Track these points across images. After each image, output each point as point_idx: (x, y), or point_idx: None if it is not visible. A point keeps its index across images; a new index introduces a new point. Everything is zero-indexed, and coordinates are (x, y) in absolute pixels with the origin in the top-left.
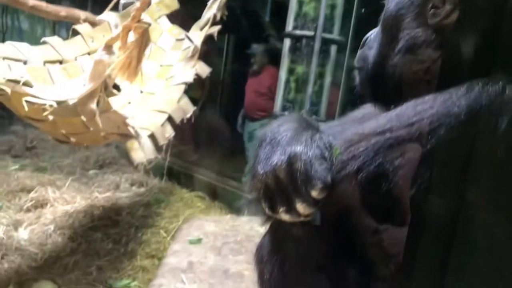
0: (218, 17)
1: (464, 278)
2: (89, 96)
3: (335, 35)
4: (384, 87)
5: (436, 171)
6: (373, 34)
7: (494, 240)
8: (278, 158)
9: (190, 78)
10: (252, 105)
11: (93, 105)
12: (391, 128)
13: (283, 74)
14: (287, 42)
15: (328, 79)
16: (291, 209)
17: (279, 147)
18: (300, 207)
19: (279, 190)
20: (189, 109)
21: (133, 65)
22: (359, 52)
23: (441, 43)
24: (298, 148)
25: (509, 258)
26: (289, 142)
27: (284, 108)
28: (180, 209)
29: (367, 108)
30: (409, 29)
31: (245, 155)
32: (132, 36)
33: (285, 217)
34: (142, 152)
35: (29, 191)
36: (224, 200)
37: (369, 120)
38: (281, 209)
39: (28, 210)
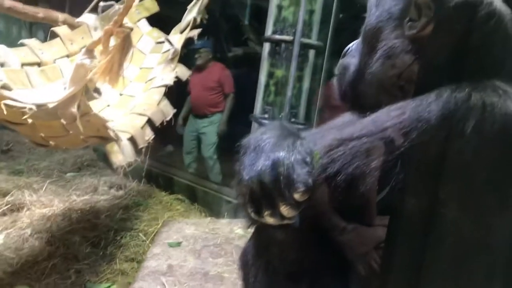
0: (198, 21)
1: (436, 275)
2: (70, 99)
3: (313, 40)
4: (363, 94)
5: (408, 173)
6: (354, 45)
7: (463, 237)
8: (262, 163)
9: (170, 81)
10: (201, 101)
11: (74, 109)
12: (367, 133)
13: (262, 77)
14: (266, 46)
15: (306, 83)
16: (275, 213)
17: (263, 154)
18: (284, 210)
19: (264, 194)
20: (169, 112)
21: (115, 70)
22: (340, 61)
23: (416, 53)
24: (281, 154)
25: (478, 254)
26: (272, 149)
27: (264, 111)
28: (159, 212)
29: (347, 116)
30: (387, 40)
31: (224, 157)
32: (113, 40)
33: (270, 220)
34: (121, 155)
35: (5, 195)
36: (204, 202)
37: (348, 126)
38: (266, 213)
39: (3, 214)
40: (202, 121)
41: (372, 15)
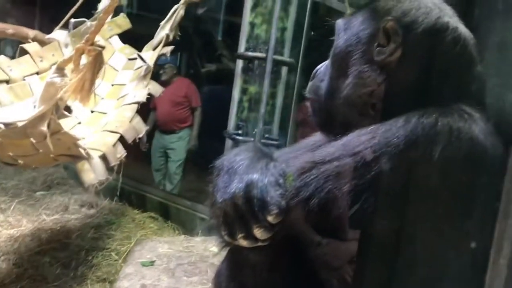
0: (171, 38)
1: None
2: (40, 118)
3: (286, 57)
4: (334, 117)
5: (379, 196)
6: (323, 67)
7: (431, 257)
8: (235, 186)
9: (142, 98)
10: (168, 117)
11: (44, 127)
12: (339, 156)
13: (236, 93)
14: (239, 63)
15: (280, 100)
16: (249, 235)
17: (237, 176)
18: (258, 232)
19: (237, 216)
20: (142, 129)
21: (86, 88)
22: (310, 83)
23: (385, 78)
24: (255, 176)
25: (445, 270)
26: (245, 171)
27: (237, 127)
28: (132, 231)
29: (318, 136)
30: (357, 64)
31: (198, 174)
32: (84, 59)
33: (243, 243)
34: (93, 173)
35: None
36: (177, 220)
37: (320, 148)
38: (240, 235)
39: None
40: (170, 137)
41: (341, 39)
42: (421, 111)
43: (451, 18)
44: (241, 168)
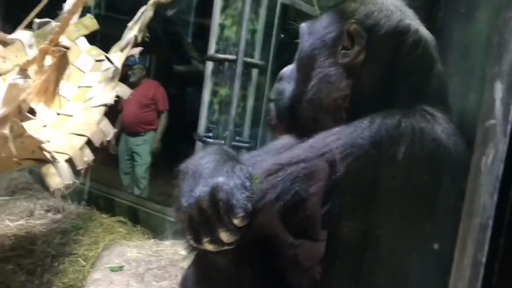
0: (140, 39)
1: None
2: (1, 121)
3: (256, 59)
4: (300, 119)
5: (345, 196)
6: (289, 70)
7: (396, 255)
8: (201, 189)
9: (110, 100)
10: (134, 119)
11: (6, 130)
12: (305, 158)
13: (206, 96)
14: (209, 65)
15: (250, 102)
16: (215, 239)
17: (202, 179)
18: (224, 235)
19: (202, 221)
20: (110, 132)
21: (50, 90)
22: (275, 86)
23: (350, 80)
24: (220, 179)
25: (409, 269)
26: (211, 174)
27: (208, 130)
28: (100, 235)
29: (286, 139)
30: (321, 67)
31: (168, 177)
32: (49, 60)
33: (209, 247)
34: (59, 177)
35: None
36: (147, 224)
37: (286, 150)
38: (206, 240)
39: None
40: (135, 139)
41: (305, 42)
42: (385, 113)
43: (412, 20)
44: (207, 171)
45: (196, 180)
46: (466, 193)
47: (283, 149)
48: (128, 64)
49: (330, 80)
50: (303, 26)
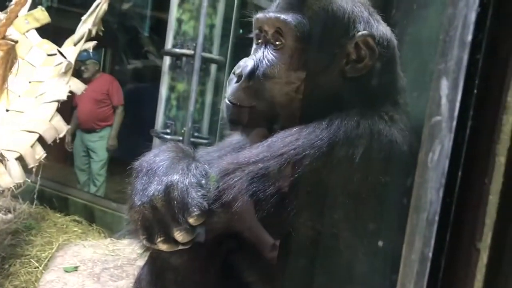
0: (94, 33)
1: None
2: None
3: (214, 54)
4: (256, 117)
5: (302, 196)
6: (249, 67)
7: (354, 253)
8: (155, 188)
9: (63, 96)
10: (89, 115)
11: None
12: (263, 158)
13: (163, 91)
14: (166, 60)
15: (209, 97)
16: (169, 238)
17: (156, 177)
18: (178, 235)
19: (156, 220)
20: (63, 128)
21: None
22: (235, 86)
23: (344, 87)
24: (175, 177)
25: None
26: (165, 172)
27: (165, 126)
28: (54, 235)
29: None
30: (319, 75)
31: (125, 174)
32: None
33: (163, 247)
34: (9, 176)
35: None
36: (103, 223)
37: (244, 149)
38: (159, 239)
39: None
40: (91, 136)
41: (297, 45)
42: (344, 113)
43: (380, 23)
44: (161, 169)
45: (150, 178)
46: (414, 189)
47: (239, 146)
48: (81, 59)
49: (326, 87)
50: (288, 23)
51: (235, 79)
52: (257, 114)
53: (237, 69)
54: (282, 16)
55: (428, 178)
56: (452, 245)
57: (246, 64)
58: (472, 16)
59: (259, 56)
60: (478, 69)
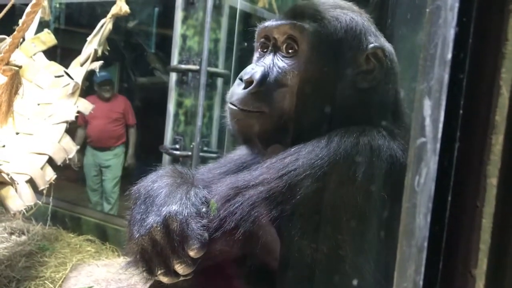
0: (100, 52)
1: None
2: None
3: (220, 68)
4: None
5: (305, 218)
6: (260, 75)
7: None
8: (153, 219)
9: (71, 116)
10: (104, 133)
11: None
12: (263, 181)
13: (171, 107)
14: (173, 76)
15: (216, 111)
16: (169, 271)
17: (154, 207)
18: (179, 268)
19: (155, 252)
20: (72, 149)
21: (3, 110)
22: (245, 94)
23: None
24: (174, 208)
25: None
26: (164, 201)
27: (174, 141)
28: (68, 256)
29: (243, 149)
30: (332, 86)
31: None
32: (1, 78)
33: (164, 279)
34: (19, 199)
35: None
36: (116, 241)
37: (245, 164)
38: (160, 272)
39: None
40: (104, 154)
41: (310, 55)
42: (343, 130)
43: (381, 36)
44: (159, 198)
45: (148, 208)
46: (402, 214)
47: (241, 162)
48: (99, 80)
49: (337, 96)
50: (305, 29)
51: (242, 85)
52: (266, 120)
53: (245, 75)
54: (298, 23)
55: (416, 203)
56: (446, 272)
57: (255, 70)
58: (451, 34)
59: (269, 63)
60: (462, 88)
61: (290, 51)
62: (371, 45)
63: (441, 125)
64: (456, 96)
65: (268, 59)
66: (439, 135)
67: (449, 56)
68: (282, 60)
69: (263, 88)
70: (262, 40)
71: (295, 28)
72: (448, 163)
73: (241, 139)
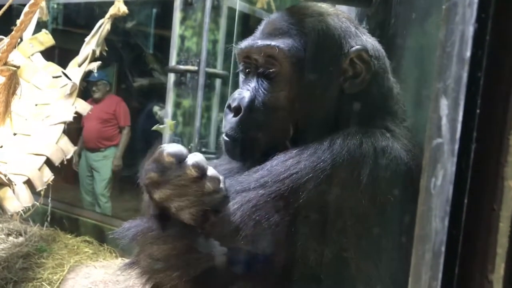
0: (98, 53)
1: None
2: None
3: (218, 69)
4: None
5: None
6: (247, 99)
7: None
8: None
9: (69, 117)
10: (95, 134)
11: None
12: (264, 184)
13: (169, 108)
14: (171, 77)
15: (215, 112)
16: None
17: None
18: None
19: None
20: (70, 150)
21: (1, 111)
22: (233, 120)
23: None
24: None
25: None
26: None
27: (172, 142)
28: (65, 257)
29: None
30: (319, 95)
31: (133, 193)
32: None
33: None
34: (17, 200)
35: None
36: (113, 242)
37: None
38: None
39: None
40: (95, 155)
41: (291, 67)
42: (346, 132)
43: (366, 34)
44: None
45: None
46: (417, 217)
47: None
48: (92, 80)
49: (327, 107)
50: (281, 49)
51: (231, 114)
52: (260, 144)
53: (233, 103)
54: (273, 43)
55: (432, 206)
56: (462, 277)
57: (243, 95)
58: (470, 31)
59: (254, 86)
60: (479, 87)
61: (271, 70)
62: (353, 49)
63: (459, 126)
64: (473, 95)
65: (253, 81)
66: (458, 135)
67: (468, 54)
68: (266, 82)
69: (253, 114)
70: (243, 61)
71: (271, 48)
72: (465, 165)
73: (241, 162)
